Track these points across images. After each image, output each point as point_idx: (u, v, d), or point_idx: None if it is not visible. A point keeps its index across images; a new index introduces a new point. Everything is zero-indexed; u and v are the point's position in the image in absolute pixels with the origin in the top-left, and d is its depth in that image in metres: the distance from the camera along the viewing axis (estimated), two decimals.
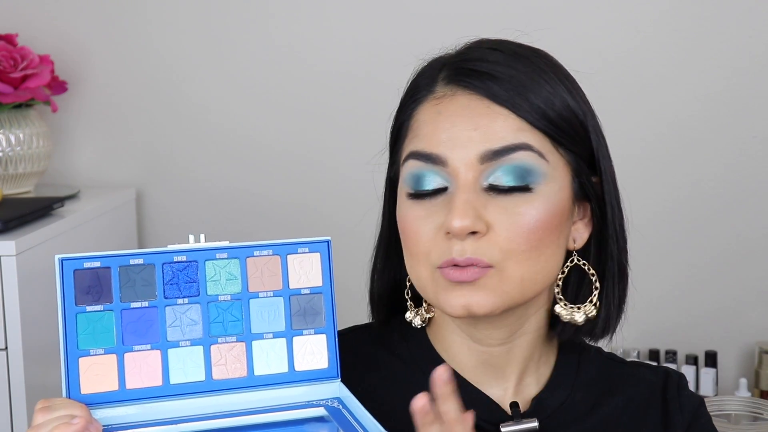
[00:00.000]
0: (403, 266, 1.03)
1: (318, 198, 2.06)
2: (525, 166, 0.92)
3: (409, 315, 1.04)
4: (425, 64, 1.01)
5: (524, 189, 0.92)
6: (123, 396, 0.87)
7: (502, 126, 0.92)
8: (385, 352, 1.05)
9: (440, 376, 0.84)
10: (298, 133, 2.05)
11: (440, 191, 0.94)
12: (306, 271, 0.93)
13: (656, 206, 1.99)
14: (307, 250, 0.93)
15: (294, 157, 2.05)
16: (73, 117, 2.09)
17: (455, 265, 0.92)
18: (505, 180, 0.92)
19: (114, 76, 2.07)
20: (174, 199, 2.09)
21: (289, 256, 0.93)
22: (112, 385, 0.87)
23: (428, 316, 1.04)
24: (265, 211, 2.07)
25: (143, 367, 0.88)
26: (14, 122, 1.91)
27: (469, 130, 0.92)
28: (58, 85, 1.97)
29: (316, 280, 0.93)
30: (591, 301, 1.00)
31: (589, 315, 0.99)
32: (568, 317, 0.99)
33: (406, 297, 1.04)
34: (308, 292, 0.93)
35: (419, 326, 1.04)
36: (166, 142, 2.08)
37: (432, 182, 0.94)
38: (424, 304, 1.04)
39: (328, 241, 0.94)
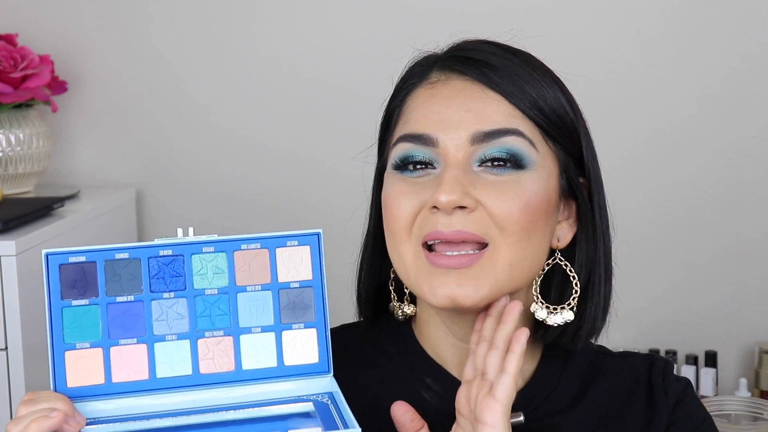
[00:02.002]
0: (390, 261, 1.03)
1: (318, 196, 2.06)
2: (515, 149, 0.93)
3: (392, 305, 1.04)
4: (419, 57, 1.02)
5: (514, 167, 0.93)
6: (109, 389, 0.88)
7: (495, 110, 0.93)
8: (373, 350, 1.06)
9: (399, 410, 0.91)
10: (298, 132, 2.05)
11: (427, 170, 0.94)
12: (295, 264, 0.92)
13: (656, 206, 1.99)
14: (296, 243, 0.93)
15: (294, 156, 2.05)
16: (73, 117, 2.09)
17: (443, 243, 0.91)
18: (496, 157, 0.92)
19: (114, 76, 2.07)
20: (174, 199, 2.09)
21: (277, 250, 0.92)
22: (98, 379, 0.88)
23: (407, 311, 1.03)
24: (265, 210, 2.07)
25: (129, 361, 0.88)
26: (14, 122, 1.91)
27: (461, 112, 0.93)
28: (58, 85, 1.97)
29: (305, 273, 0.93)
30: (569, 305, 0.98)
31: (567, 319, 0.98)
32: (543, 317, 0.98)
33: (390, 288, 1.04)
34: (298, 285, 0.92)
35: (400, 319, 1.04)
36: (166, 142, 2.08)
37: (420, 159, 0.94)
38: (405, 299, 1.04)
39: (318, 234, 0.94)
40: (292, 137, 2.05)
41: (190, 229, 0.91)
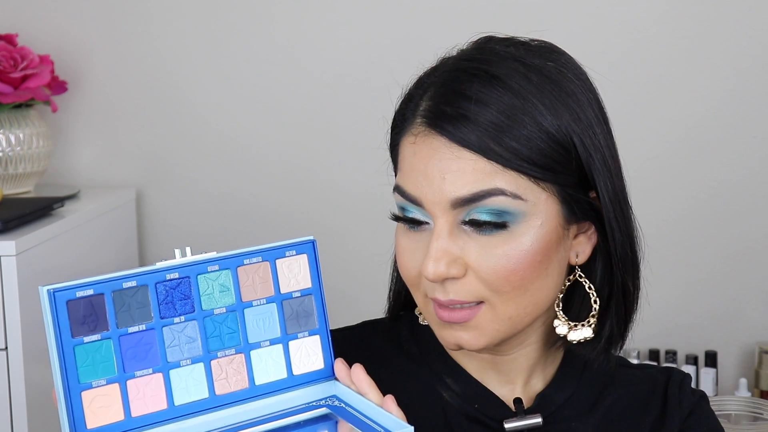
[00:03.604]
0: None
1: (315, 200, 2.06)
2: (498, 209, 0.90)
3: (418, 309, 1.05)
4: (414, 82, 0.98)
5: (501, 226, 0.90)
6: (130, 425, 0.85)
7: (472, 172, 0.90)
8: (393, 348, 1.06)
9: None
10: (295, 135, 2.05)
11: (424, 227, 0.93)
12: (295, 273, 0.92)
13: (655, 207, 1.99)
14: (294, 252, 0.92)
15: (291, 159, 2.06)
16: (73, 117, 2.09)
17: (442, 305, 0.93)
18: (481, 218, 0.90)
19: (114, 76, 2.07)
20: (174, 200, 2.09)
21: (278, 261, 0.91)
22: (118, 416, 0.85)
23: (425, 322, 1.04)
24: (264, 211, 2.07)
25: (147, 393, 0.86)
26: (14, 122, 1.91)
27: (439, 177, 0.91)
28: (58, 85, 1.97)
29: (305, 281, 0.93)
30: (589, 323, 0.97)
31: (586, 336, 0.97)
32: (563, 333, 0.98)
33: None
34: (299, 294, 0.92)
35: (423, 323, 1.05)
36: (166, 143, 2.08)
37: (415, 216, 0.94)
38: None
39: (313, 242, 0.93)
40: (289, 140, 2.05)
41: (188, 249, 0.89)
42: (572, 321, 0.98)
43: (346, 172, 2.03)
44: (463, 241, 0.91)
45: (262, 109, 2.05)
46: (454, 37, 1.02)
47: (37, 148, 1.93)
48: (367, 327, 1.10)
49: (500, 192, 0.90)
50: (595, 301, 0.97)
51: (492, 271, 0.90)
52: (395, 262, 1.05)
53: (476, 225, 0.91)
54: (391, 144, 1.00)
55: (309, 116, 2.04)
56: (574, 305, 0.99)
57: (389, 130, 1.00)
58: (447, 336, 0.95)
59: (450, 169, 0.90)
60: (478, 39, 0.99)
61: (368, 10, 2.01)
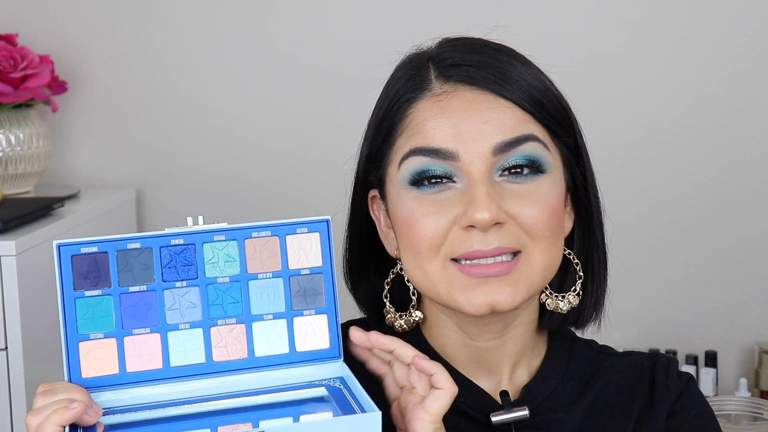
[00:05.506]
0: (383, 271, 1.04)
1: (319, 197, 2.06)
2: (534, 155, 0.94)
3: (389, 319, 1.04)
4: (404, 62, 1.01)
5: (536, 174, 0.94)
6: (124, 379, 0.88)
7: (510, 117, 0.94)
8: None
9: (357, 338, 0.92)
10: (297, 132, 2.05)
11: (446, 185, 0.94)
12: (305, 251, 0.93)
13: (656, 206, 1.99)
14: (306, 230, 0.94)
15: (294, 156, 2.06)
16: (73, 117, 2.09)
17: (478, 260, 0.92)
18: (520, 162, 0.93)
19: (114, 76, 2.07)
20: (174, 199, 2.09)
21: (288, 237, 0.93)
22: (113, 369, 0.88)
23: (415, 319, 1.03)
24: (266, 210, 2.07)
25: (143, 351, 0.88)
26: (14, 122, 1.91)
27: (479, 124, 0.93)
28: (58, 85, 1.97)
29: (316, 260, 0.93)
30: (574, 290, 1.01)
31: (573, 304, 1.01)
32: (553, 305, 1.01)
33: (384, 300, 1.04)
34: (308, 272, 0.93)
35: (405, 330, 1.03)
36: (166, 142, 2.08)
37: (438, 173, 0.94)
38: (412, 306, 1.03)
39: (327, 221, 0.94)
40: (291, 137, 2.05)
41: (200, 218, 0.92)
42: (555, 293, 1.02)
43: (349, 165, 2.03)
44: (500, 191, 0.93)
45: (263, 108, 2.05)
46: (449, 32, 1.03)
47: (37, 148, 1.93)
48: (357, 324, 1.09)
49: (535, 138, 0.94)
50: (580, 269, 1.02)
51: (534, 215, 0.93)
52: (350, 274, 1.06)
53: (515, 171, 0.93)
54: (386, 122, 0.99)
55: (310, 113, 2.04)
56: (554, 278, 1.02)
57: (385, 113, 0.99)
58: (479, 298, 0.93)
59: (491, 116, 0.93)
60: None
61: (365, 7, 2.01)
